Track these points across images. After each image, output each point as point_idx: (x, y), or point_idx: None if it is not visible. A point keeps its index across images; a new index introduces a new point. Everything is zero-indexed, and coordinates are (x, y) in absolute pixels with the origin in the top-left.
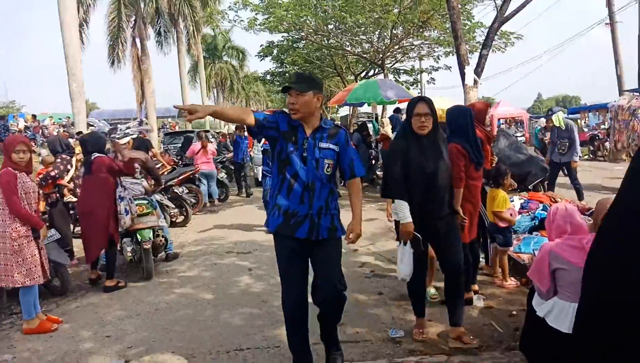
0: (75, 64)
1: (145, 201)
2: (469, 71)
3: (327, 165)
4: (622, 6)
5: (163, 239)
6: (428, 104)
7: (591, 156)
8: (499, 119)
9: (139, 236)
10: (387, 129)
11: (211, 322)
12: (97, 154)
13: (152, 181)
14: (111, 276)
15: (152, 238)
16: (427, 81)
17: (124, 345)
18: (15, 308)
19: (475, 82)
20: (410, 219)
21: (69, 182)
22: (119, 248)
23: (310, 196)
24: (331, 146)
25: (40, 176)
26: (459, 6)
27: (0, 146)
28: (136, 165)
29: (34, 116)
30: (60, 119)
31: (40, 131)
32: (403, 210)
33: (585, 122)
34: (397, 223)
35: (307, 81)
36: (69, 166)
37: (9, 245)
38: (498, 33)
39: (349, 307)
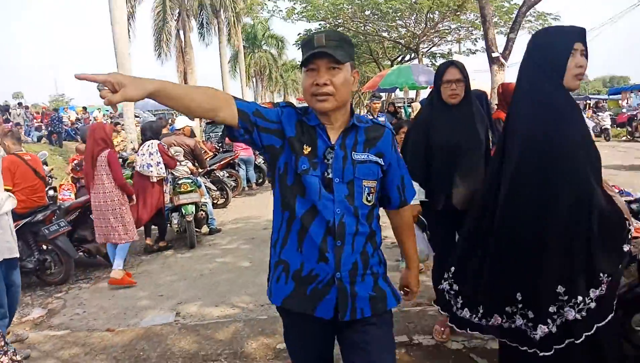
0: (124, 59)
1: (190, 181)
2: (496, 54)
3: (367, 191)
4: None
5: (204, 214)
6: (459, 69)
7: (629, 136)
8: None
9: (183, 211)
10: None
11: (249, 284)
12: (156, 141)
13: (197, 164)
14: (162, 238)
15: (194, 212)
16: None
17: (174, 302)
18: (81, 275)
19: (502, 65)
20: (417, 201)
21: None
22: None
23: (337, 248)
24: (372, 158)
25: (74, 162)
26: None
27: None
28: (179, 149)
29: (84, 108)
30: (107, 110)
31: (90, 122)
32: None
33: (627, 103)
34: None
35: (344, 45)
36: None
37: (117, 209)
38: (534, 15)
39: None
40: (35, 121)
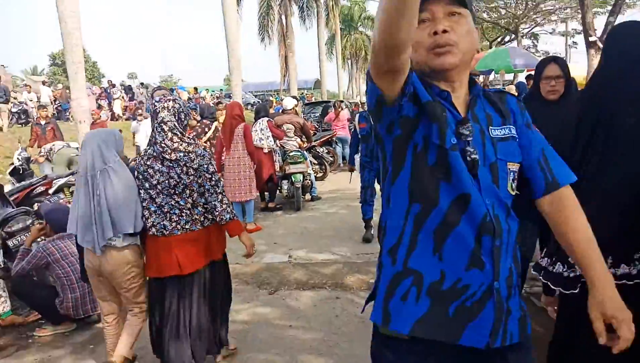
0: (234, 43)
1: (299, 153)
2: (593, 39)
3: (512, 176)
4: None
5: (309, 182)
6: (560, 65)
7: None
8: None
9: (292, 178)
10: None
11: (346, 238)
12: (266, 118)
13: (305, 139)
14: (272, 201)
15: (301, 180)
16: (569, 45)
17: (286, 248)
18: None
19: (599, 49)
20: None
21: (205, 142)
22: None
23: (496, 249)
24: (513, 134)
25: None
26: None
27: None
28: (290, 126)
29: (195, 89)
30: (214, 91)
31: (201, 101)
32: None
33: None
34: None
35: None
36: (206, 129)
37: (248, 171)
38: None
39: None
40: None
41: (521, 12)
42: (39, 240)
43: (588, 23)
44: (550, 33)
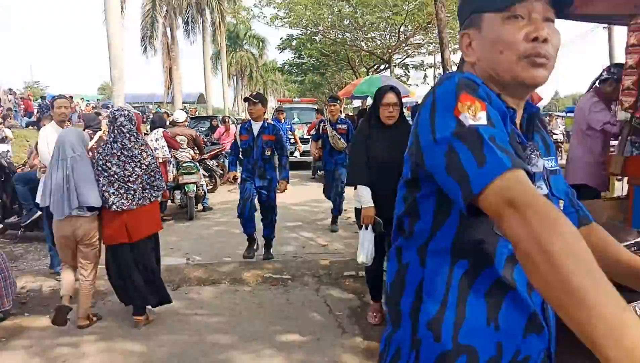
0: (117, 52)
1: (192, 164)
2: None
3: None
4: None
5: (202, 192)
6: (397, 94)
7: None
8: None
9: (186, 188)
10: None
11: (239, 245)
12: (162, 129)
13: (198, 151)
14: (163, 211)
15: (195, 191)
16: (435, 76)
17: (183, 252)
18: None
19: None
20: (371, 204)
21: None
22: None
23: (546, 305)
24: (557, 165)
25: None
26: (447, 17)
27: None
28: (184, 138)
29: (70, 97)
30: (89, 100)
31: (77, 110)
32: (365, 195)
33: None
34: (357, 210)
35: None
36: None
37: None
38: None
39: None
40: (22, 107)
41: (394, 43)
42: None
43: (446, 59)
44: (420, 65)
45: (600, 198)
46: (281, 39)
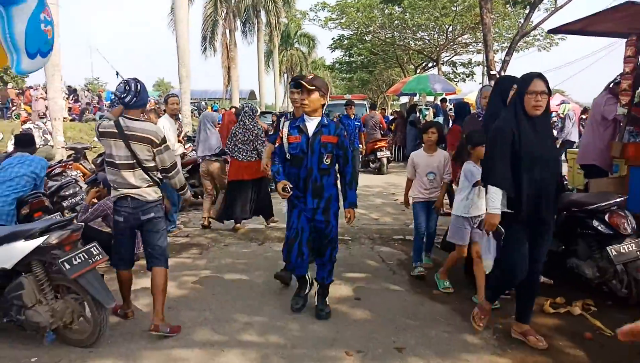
0: (184, 53)
1: None
2: (494, 72)
3: None
4: None
5: None
6: (545, 81)
7: None
8: (551, 112)
9: None
10: (430, 115)
11: None
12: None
13: None
14: None
15: None
16: (484, 73)
17: (261, 220)
18: None
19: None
20: (498, 211)
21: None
22: None
23: None
24: None
25: None
26: (492, 21)
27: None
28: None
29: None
30: (150, 97)
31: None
32: (495, 199)
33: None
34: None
35: None
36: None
37: None
38: (542, 34)
39: None
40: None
41: (442, 43)
42: (94, 200)
43: (490, 60)
44: (468, 63)
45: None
46: (333, 39)
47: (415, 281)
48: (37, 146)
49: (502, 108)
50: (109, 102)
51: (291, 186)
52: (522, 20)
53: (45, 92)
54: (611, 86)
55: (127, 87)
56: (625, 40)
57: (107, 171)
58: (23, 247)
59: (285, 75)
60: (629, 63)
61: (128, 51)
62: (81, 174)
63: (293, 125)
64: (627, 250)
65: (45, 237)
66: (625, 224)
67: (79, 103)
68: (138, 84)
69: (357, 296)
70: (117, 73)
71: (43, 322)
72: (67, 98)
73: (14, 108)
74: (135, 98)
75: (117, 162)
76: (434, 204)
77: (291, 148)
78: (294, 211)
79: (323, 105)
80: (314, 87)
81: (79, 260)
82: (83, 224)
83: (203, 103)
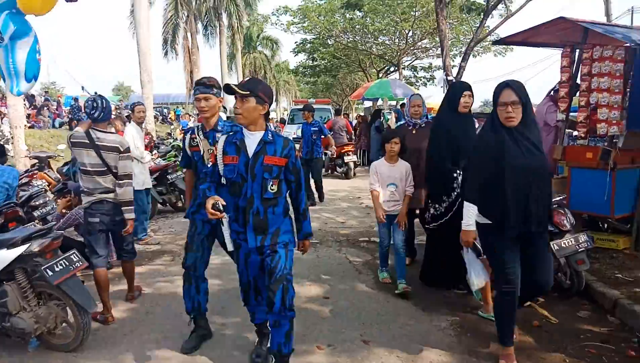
0: (145, 57)
1: None
2: (450, 78)
3: None
4: (618, 16)
5: None
6: (515, 90)
7: None
8: None
9: None
10: (392, 120)
11: None
12: None
13: None
14: None
15: None
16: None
17: None
18: None
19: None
20: (473, 227)
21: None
22: None
23: None
24: None
25: None
26: (449, 27)
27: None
28: None
29: None
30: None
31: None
32: (469, 215)
33: None
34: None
35: None
36: None
37: None
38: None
39: None
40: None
41: (402, 47)
42: (64, 210)
43: (447, 66)
44: (428, 67)
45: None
46: (296, 42)
47: (379, 280)
48: None
49: (449, 113)
50: (68, 108)
51: (224, 203)
52: (477, 26)
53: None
54: (551, 93)
55: (95, 105)
56: (561, 51)
57: (81, 179)
58: (5, 256)
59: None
60: (565, 72)
61: (83, 52)
62: (47, 183)
63: (230, 141)
64: (567, 245)
65: (27, 245)
66: (565, 221)
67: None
68: (103, 101)
69: (326, 296)
70: (83, 87)
71: (28, 328)
72: (25, 105)
73: None
74: (102, 113)
75: (90, 169)
76: (397, 219)
77: (226, 170)
78: (240, 251)
79: (265, 115)
80: (247, 92)
81: (61, 267)
82: (62, 232)
83: (165, 109)
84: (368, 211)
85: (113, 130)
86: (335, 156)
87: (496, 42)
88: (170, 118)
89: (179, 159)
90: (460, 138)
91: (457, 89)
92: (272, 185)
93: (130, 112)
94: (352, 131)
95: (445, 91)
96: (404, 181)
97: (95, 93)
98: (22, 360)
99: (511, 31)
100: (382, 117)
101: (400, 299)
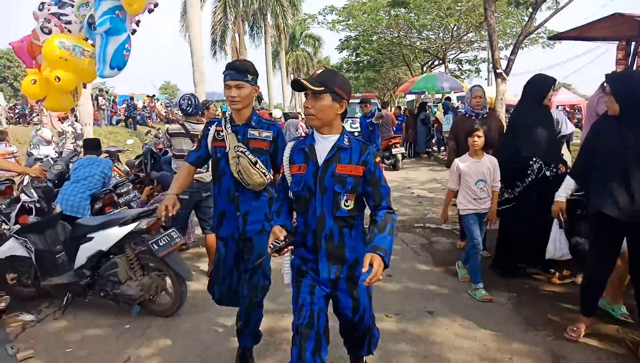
0: (198, 58)
1: None
2: (500, 71)
3: None
4: None
5: None
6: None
7: None
8: (557, 106)
9: None
10: (439, 114)
11: None
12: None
13: None
14: None
15: None
16: (489, 70)
17: None
18: None
19: (504, 79)
20: (563, 199)
21: None
22: None
23: None
24: None
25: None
26: (495, 22)
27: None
28: None
29: (151, 97)
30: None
31: (156, 109)
32: (565, 188)
33: None
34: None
35: None
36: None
37: None
38: (546, 33)
39: None
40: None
41: (447, 41)
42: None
43: (496, 59)
44: (474, 60)
45: None
46: (340, 40)
47: (438, 259)
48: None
49: (532, 105)
50: (123, 106)
51: (291, 237)
52: (525, 19)
53: None
54: (604, 85)
55: (190, 102)
56: (616, 44)
57: (175, 163)
58: (118, 232)
59: (292, 75)
60: (621, 65)
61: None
62: (117, 176)
63: (298, 147)
64: None
65: (137, 223)
66: None
67: (104, 109)
68: (196, 99)
69: (389, 274)
70: (153, 84)
71: (135, 294)
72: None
73: (35, 114)
74: (195, 109)
75: (186, 154)
76: (487, 216)
77: (294, 182)
78: (303, 280)
79: (342, 114)
80: (321, 88)
81: (164, 242)
82: None
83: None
84: (420, 200)
85: (204, 120)
86: (382, 148)
87: (551, 38)
88: (217, 115)
89: None
90: (541, 129)
91: (544, 82)
92: (346, 200)
93: (205, 109)
94: (397, 124)
95: (493, 83)
96: (491, 175)
97: (191, 94)
98: (130, 321)
99: (559, 23)
100: (427, 110)
101: (458, 279)
